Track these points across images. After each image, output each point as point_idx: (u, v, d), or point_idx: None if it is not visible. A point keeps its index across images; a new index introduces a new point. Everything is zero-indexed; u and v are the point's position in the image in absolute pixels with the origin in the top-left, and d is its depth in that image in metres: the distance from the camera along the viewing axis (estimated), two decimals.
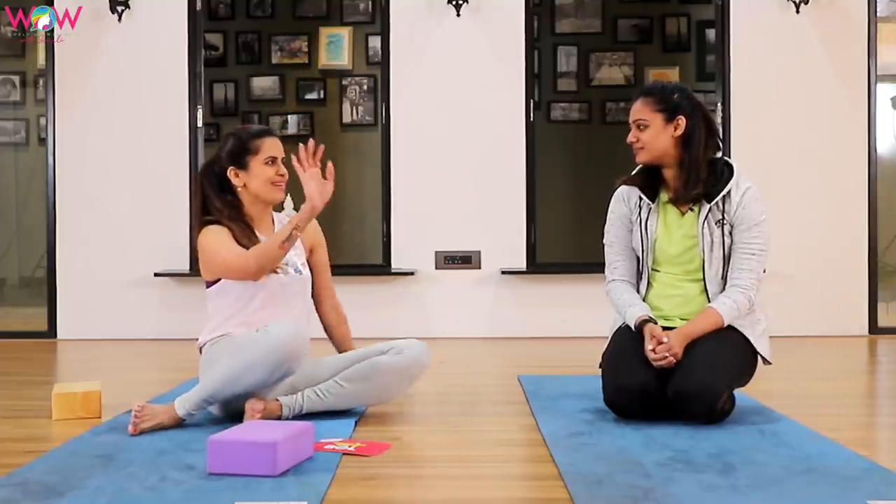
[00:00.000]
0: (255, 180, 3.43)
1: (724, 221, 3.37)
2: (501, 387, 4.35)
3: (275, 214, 3.59)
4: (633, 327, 3.40)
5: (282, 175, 3.46)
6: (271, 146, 3.45)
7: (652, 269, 3.48)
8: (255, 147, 3.43)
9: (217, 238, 3.37)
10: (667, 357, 3.26)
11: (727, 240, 3.37)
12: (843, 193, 6.23)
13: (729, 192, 3.37)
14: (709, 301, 3.40)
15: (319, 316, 3.67)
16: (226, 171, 3.45)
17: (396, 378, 3.43)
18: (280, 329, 3.20)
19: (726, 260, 3.38)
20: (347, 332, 3.68)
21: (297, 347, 3.20)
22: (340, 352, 3.63)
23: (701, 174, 3.37)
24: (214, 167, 3.49)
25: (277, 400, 3.28)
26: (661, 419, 3.29)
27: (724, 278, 3.39)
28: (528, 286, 6.30)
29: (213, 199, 3.44)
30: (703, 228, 3.37)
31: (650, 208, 3.46)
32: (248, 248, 3.34)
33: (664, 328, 3.38)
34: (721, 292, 3.38)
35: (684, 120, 3.37)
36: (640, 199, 3.48)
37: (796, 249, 6.18)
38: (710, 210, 3.37)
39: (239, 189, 3.45)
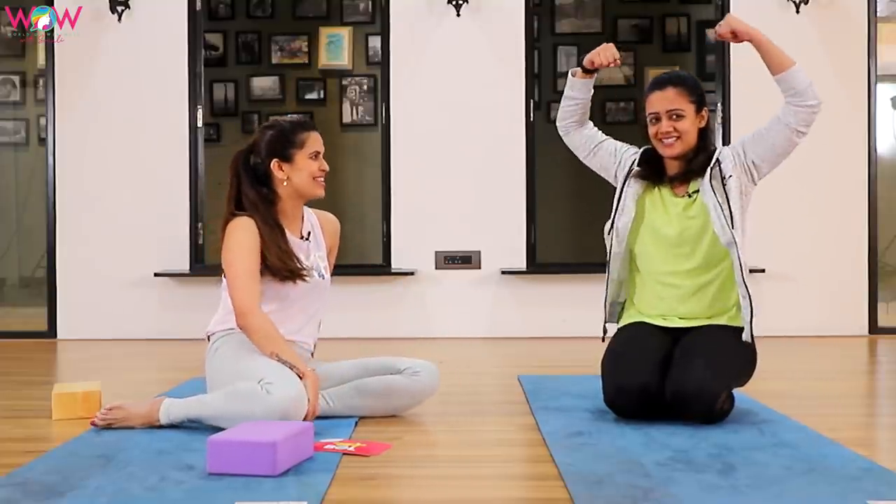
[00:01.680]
0: (298, 174, 3.35)
1: (724, 177, 3.33)
2: (501, 387, 4.35)
3: (305, 208, 3.50)
4: (573, 75, 3.53)
5: (324, 170, 3.39)
6: (315, 140, 3.38)
7: (644, 272, 3.48)
8: (301, 140, 3.35)
9: (244, 250, 3.25)
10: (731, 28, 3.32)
11: (732, 195, 3.30)
12: (843, 193, 6.23)
13: (718, 160, 3.36)
14: (706, 299, 3.40)
15: None
16: (267, 163, 3.35)
17: (409, 400, 3.45)
18: (283, 392, 3.03)
19: (731, 220, 3.29)
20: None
21: (295, 414, 3.04)
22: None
23: (709, 148, 3.41)
24: (251, 157, 3.39)
25: None
26: (661, 419, 3.29)
27: (734, 236, 3.30)
28: (528, 286, 6.30)
29: (248, 191, 3.35)
30: (708, 188, 3.33)
31: (639, 185, 3.45)
32: (275, 256, 3.25)
33: (663, 329, 3.40)
34: (740, 250, 3.29)
35: (706, 111, 3.42)
36: (632, 164, 3.48)
37: (796, 249, 6.19)
38: (710, 175, 3.34)
39: (283, 183, 3.35)
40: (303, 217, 3.48)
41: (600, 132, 3.62)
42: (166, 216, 6.30)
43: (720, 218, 3.29)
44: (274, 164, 3.35)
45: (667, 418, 3.28)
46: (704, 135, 3.42)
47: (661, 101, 3.39)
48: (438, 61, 6.31)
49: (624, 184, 3.47)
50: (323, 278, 3.45)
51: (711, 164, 3.36)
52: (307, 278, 3.35)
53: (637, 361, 3.31)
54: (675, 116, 3.37)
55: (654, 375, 3.28)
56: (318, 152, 3.39)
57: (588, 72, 3.51)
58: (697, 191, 3.40)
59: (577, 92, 3.55)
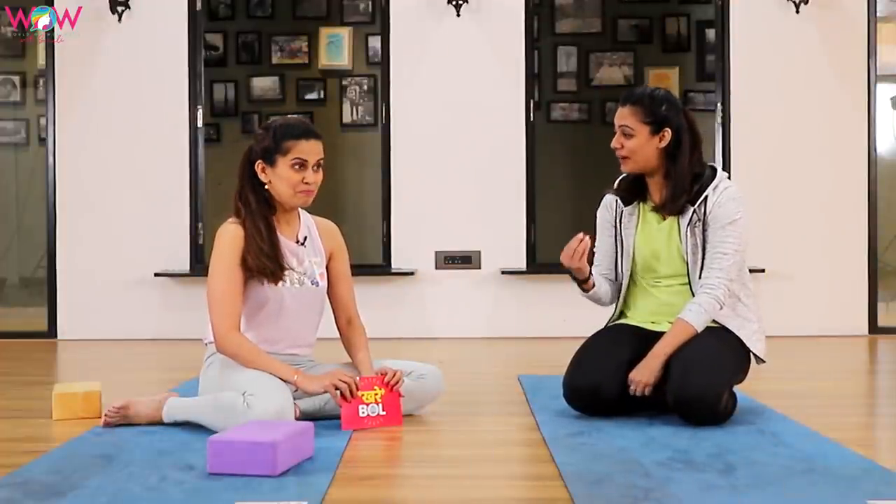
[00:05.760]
0: (278, 182, 3.25)
1: (705, 224, 3.35)
2: (501, 387, 4.35)
3: (303, 213, 3.45)
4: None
5: (307, 183, 3.27)
6: (303, 149, 3.24)
7: (640, 278, 3.49)
8: (286, 147, 3.23)
9: (224, 266, 3.21)
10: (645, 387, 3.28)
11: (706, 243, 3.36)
12: (843, 193, 6.23)
13: (707, 196, 3.35)
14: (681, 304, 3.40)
15: (338, 329, 3.50)
16: (254, 163, 3.29)
17: (413, 404, 3.44)
18: (263, 407, 3.01)
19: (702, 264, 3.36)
20: (365, 360, 3.39)
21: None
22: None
23: (686, 185, 3.36)
24: (250, 155, 3.33)
25: (296, 403, 3.24)
26: (661, 419, 3.29)
27: None
28: (528, 286, 6.30)
29: (247, 188, 3.29)
30: (686, 232, 3.36)
31: (630, 214, 3.47)
32: (253, 256, 3.21)
33: (655, 333, 3.40)
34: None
35: (670, 133, 3.35)
36: (617, 203, 3.50)
37: (796, 249, 6.19)
38: (693, 212, 3.35)
39: (266, 186, 3.29)
40: (300, 220, 3.43)
41: (601, 256, 3.61)
42: (166, 216, 6.30)
43: (697, 263, 3.34)
44: (258, 165, 3.28)
45: (667, 418, 3.29)
46: (674, 155, 3.36)
47: (618, 116, 3.42)
48: (438, 61, 6.31)
49: (621, 232, 3.49)
50: (317, 286, 3.38)
51: (699, 200, 3.34)
52: (285, 277, 3.28)
53: (593, 363, 3.36)
54: (625, 133, 3.38)
55: (607, 377, 3.31)
56: (304, 162, 3.24)
57: (584, 282, 3.49)
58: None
59: (592, 298, 3.55)
